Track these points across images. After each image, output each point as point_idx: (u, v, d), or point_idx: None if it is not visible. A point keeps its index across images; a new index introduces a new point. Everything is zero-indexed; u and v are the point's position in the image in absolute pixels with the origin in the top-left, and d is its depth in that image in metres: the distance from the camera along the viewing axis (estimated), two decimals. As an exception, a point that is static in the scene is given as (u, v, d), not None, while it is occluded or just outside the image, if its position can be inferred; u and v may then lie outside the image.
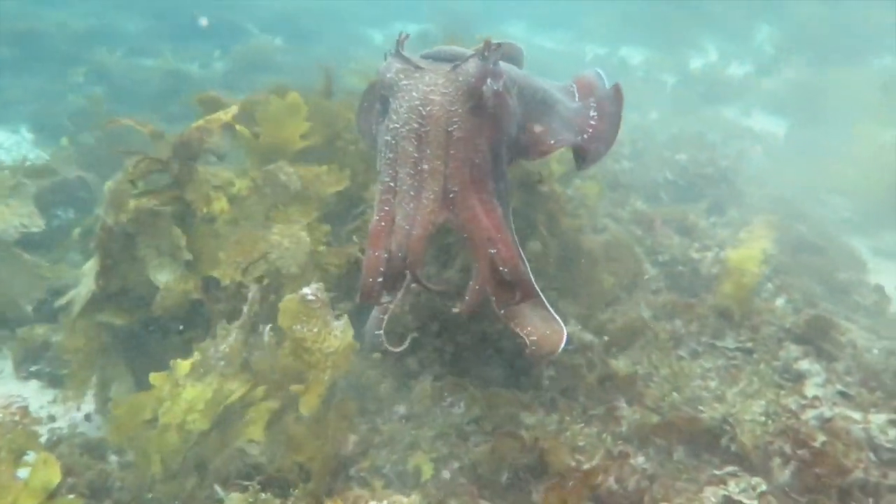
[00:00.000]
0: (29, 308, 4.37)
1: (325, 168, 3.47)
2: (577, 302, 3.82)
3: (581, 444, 2.67)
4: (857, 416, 2.74)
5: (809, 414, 2.77)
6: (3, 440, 2.43)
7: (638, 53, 14.19)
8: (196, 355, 2.85)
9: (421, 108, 2.14)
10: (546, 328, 2.34)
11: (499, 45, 2.26)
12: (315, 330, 2.58)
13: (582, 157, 2.54)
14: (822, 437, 2.60)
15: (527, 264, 2.25)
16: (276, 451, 2.60)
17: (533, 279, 2.27)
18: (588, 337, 3.64)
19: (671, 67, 13.16)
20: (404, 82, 2.19)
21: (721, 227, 5.28)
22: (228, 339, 2.81)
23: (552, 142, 2.43)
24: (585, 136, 2.52)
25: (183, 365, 2.86)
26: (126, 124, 3.68)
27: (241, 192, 3.50)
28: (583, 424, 2.82)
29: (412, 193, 2.14)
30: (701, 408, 2.95)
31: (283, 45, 12.67)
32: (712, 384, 3.22)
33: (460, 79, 2.16)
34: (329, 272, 3.34)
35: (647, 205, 5.05)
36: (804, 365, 3.31)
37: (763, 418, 2.76)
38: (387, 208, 2.17)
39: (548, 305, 2.37)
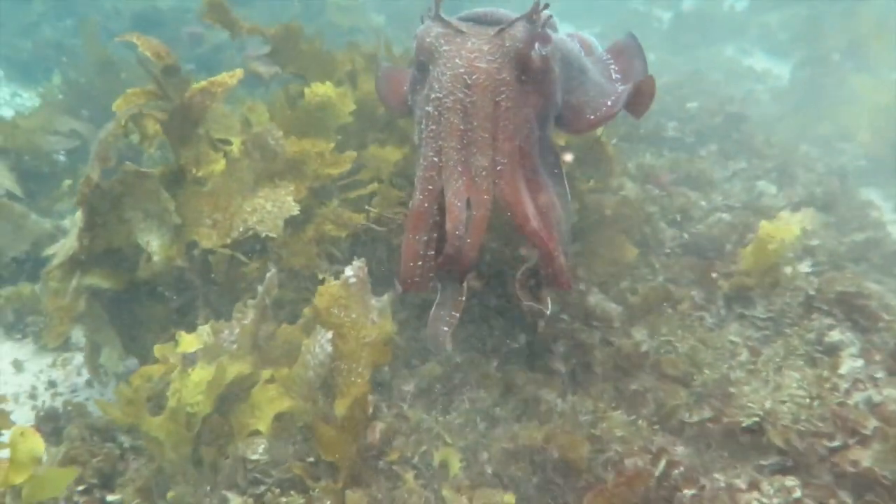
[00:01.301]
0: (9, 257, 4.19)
1: (325, 145, 3.17)
2: (594, 270, 3.62)
3: (619, 434, 2.48)
4: (905, 397, 2.57)
5: (856, 397, 2.60)
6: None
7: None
8: (207, 334, 2.62)
9: (466, 76, 1.97)
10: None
11: (547, 5, 2.01)
12: (353, 316, 2.32)
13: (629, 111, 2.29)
14: (873, 423, 2.43)
15: (569, 253, 2.05)
16: (284, 452, 2.38)
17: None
18: (611, 306, 3.46)
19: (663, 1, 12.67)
20: (445, 48, 2.02)
21: (737, 181, 5.04)
22: (244, 321, 2.56)
23: (591, 117, 2.23)
24: (617, 100, 2.26)
25: (187, 339, 2.65)
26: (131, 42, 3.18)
27: (235, 153, 3.20)
28: (617, 410, 2.63)
29: (460, 169, 1.97)
30: (733, 390, 2.78)
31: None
32: (742, 358, 3.06)
33: (507, 44, 1.99)
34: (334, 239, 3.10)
35: (657, 159, 4.78)
36: (836, 335, 3.14)
37: (806, 400, 2.58)
38: (430, 186, 2.00)
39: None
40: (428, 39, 2.04)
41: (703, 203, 4.44)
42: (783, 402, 2.60)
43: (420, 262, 2.01)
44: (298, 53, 3.79)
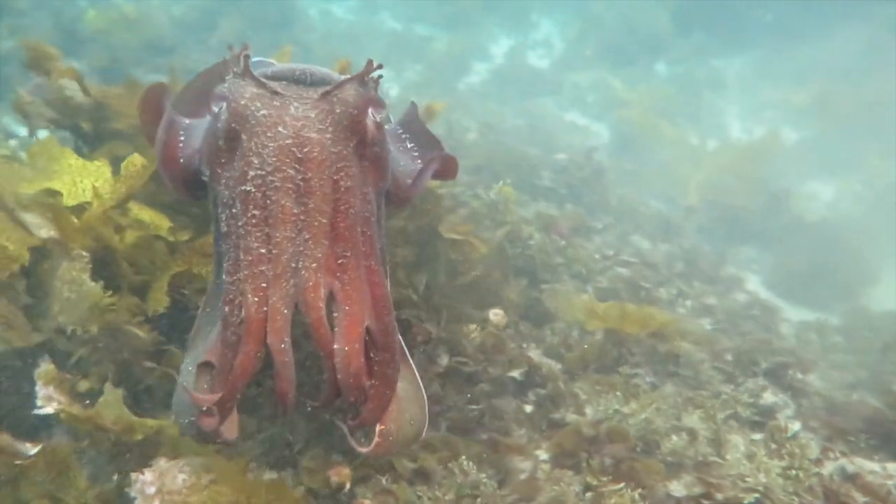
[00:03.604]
0: None
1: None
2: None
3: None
4: (874, 466, 2.64)
5: (829, 467, 2.62)
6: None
7: (435, 33, 13.97)
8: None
9: (295, 149, 1.63)
10: (405, 412, 1.80)
11: (380, 65, 1.76)
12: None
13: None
14: (861, 498, 2.45)
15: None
16: None
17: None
18: (549, 363, 3.28)
19: (474, 52, 13.16)
20: (262, 112, 1.65)
21: (609, 233, 5.16)
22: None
23: (409, 183, 1.96)
24: (422, 165, 2.05)
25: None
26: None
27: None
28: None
29: (294, 265, 1.62)
30: (712, 459, 2.69)
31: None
32: (692, 422, 3.00)
33: (337, 110, 1.68)
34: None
35: (552, 209, 4.75)
36: (769, 397, 3.21)
37: (792, 472, 2.55)
38: (264, 285, 1.61)
39: (416, 373, 1.90)
40: (242, 101, 1.66)
41: (597, 256, 4.45)
42: (770, 474, 2.54)
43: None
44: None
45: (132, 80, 2.98)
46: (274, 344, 1.56)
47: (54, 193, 2.67)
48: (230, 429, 1.74)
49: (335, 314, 1.64)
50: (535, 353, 3.41)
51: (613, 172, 7.18)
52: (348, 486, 2.40)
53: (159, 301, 2.44)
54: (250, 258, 1.61)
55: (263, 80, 1.67)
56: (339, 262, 1.65)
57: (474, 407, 2.98)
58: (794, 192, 6.84)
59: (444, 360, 3.14)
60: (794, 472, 2.58)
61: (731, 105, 11.11)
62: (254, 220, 1.63)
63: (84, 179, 2.73)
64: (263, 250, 1.62)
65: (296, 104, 1.66)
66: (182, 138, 1.94)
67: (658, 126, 8.61)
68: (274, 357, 1.57)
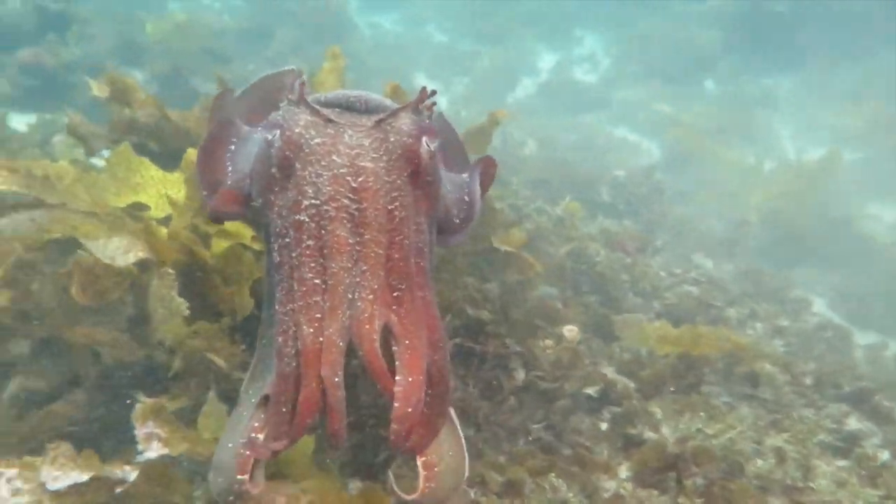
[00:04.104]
0: None
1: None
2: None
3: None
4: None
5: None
6: None
7: (479, 47, 14.03)
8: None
9: (350, 178, 1.61)
10: (451, 458, 1.76)
11: (434, 91, 1.72)
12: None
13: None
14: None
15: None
16: None
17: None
18: (623, 381, 3.24)
19: (521, 66, 13.19)
20: (317, 141, 1.63)
21: (667, 252, 5.10)
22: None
23: (457, 221, 1.91)
24: (473, 196, 2.00)
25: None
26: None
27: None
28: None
29: (350, 296, 1.59)
30: (800, 484, 2.61)
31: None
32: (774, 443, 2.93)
33: (391, 139, 1.65)
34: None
35: (616, 225, 4.70)
36: (853, 423, 3.12)
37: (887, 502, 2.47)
38: (318, 316, 1.58)
39: (458, 425, 1.82)
40: (297, 130, 1.64)
41: (663, 273, 4.39)
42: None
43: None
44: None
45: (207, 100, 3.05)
46: (328, 377, 1.52)
47: (142, 207, 2.72)
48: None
49: (395, 348, 1.60)
50: (608, 371, 3.36)
51: (668, 191, 7.12)
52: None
53: (245, 306, 2.47)
54: (304, 289, 1.58)
55: (317, 107, 1.65)
56: (395, 294, 1.62)
57: (551, 423, 2.95)
58: (855, 213, 6.70)
59: (521, 375, 3.12)
60: (891, 502, 2.50)
61: (783, 125, 10.94)
62: (308, 251, 1.60)
63: (168, 190, 2.78)
64: (318, 281, 1.59)
65: (350, 132, 1.63)
66: (234, 142, 1.92)
67: (711, 145, 8.50)
68: (327, 391, 1.53)
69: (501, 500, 2.40)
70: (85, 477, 1.86)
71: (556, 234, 4.19)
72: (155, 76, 7.58)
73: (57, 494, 1.83)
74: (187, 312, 2.20)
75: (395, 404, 1.54)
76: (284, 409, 1.56)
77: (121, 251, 2.29)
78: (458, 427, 1.79)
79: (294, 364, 1.56)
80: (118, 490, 1.89)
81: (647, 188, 5.78)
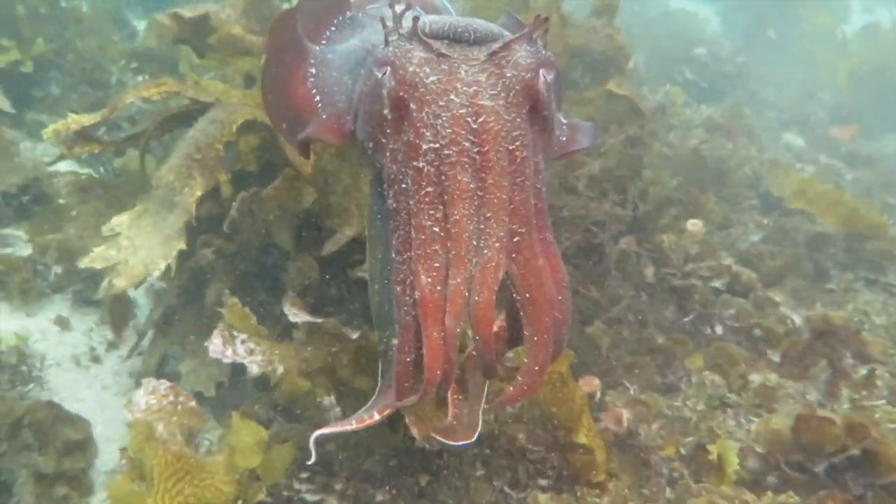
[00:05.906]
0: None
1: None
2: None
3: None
4: None
5: None
6: (173, 425, 2.13)
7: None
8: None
9: (470, 119, 1.50)
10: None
11: (547, 19, 1.58)
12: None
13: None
14: None
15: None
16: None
17: None
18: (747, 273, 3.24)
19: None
20: (432, 79, 1.51)
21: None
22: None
23: (564, 139, 1.82)
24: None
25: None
26: None
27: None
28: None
29: (475, 243, 1.51)
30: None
31: None
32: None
33: (508, 73, 1.52)
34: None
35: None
36: None
37: None
38: (438, 265, 1.51)
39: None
40: (411, 68, 1.53)
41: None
42: None
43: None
44: None
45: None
46: (450, 327, 1.48)
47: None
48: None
49: (516, 297, 1.54)
50: (730, 262, 3.35)
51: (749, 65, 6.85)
52: (598, 395, 2.43)
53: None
54: (423, 237, 1.52)
55: (429, 41, 1.52)
56: (515, 239, 1.54)
57: (686, 319, 2.98)
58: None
59: (650, 272, 3.13)
60: None
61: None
62: (428, 198, 1.52)
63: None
64: (437, 229, 1.52)
65: (464, 67, 1.51)
66: (312, 66, 1.77)
67: (783, 9, 7.96)
68: (447, 341, 1.48)
69: (663, 396, 2.46)
70: (319, 320, 2.16)
71: (657, 120, 4.07)
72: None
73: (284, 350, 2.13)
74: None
75: (526, 360, 1.52)
76: (408, 359, 1.55)
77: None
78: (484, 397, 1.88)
79: (413, 314, 1.52)
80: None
81: (731, 66, 5.54)
